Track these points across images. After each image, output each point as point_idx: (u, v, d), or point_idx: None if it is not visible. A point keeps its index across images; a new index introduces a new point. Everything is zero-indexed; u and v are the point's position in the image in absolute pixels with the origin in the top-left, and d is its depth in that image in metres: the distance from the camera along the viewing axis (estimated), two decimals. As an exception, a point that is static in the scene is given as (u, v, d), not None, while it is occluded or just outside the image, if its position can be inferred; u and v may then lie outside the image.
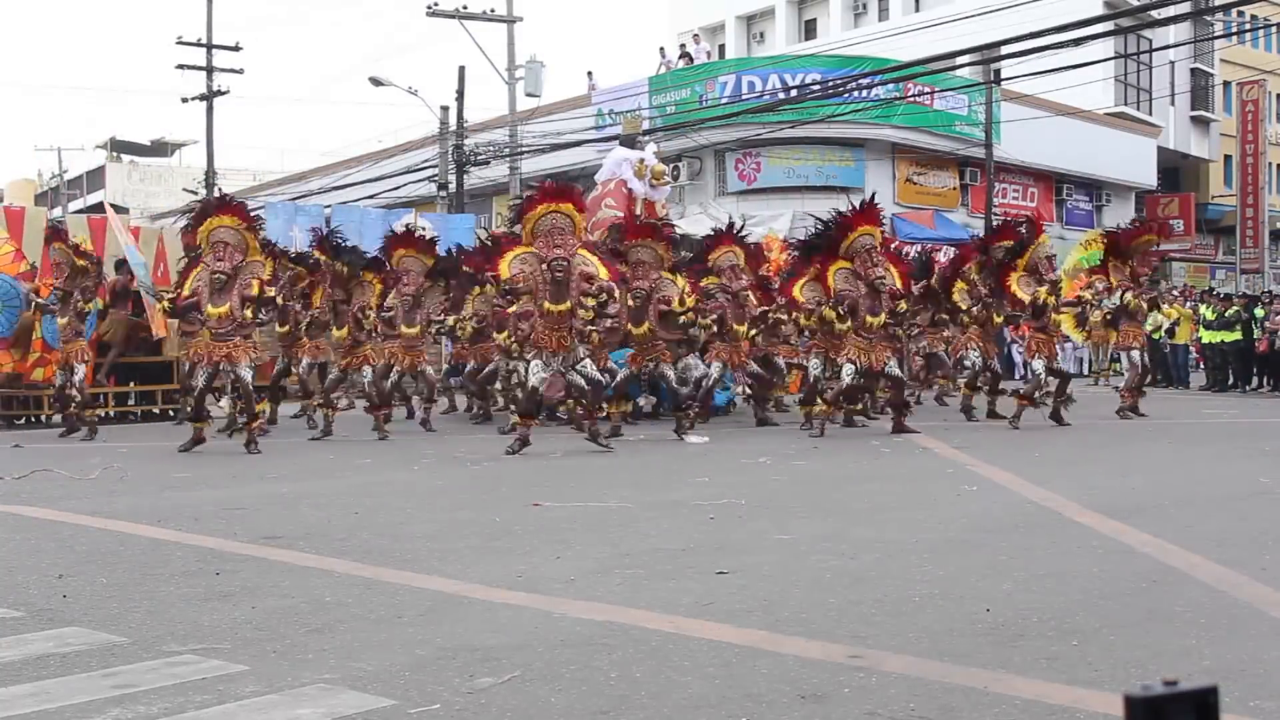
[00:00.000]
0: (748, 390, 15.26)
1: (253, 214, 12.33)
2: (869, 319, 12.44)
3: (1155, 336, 15.53)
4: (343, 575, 5.49)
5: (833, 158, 27.49)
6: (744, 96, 26.59)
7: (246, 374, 11.59)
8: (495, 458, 10.79)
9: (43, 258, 15.88)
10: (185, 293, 11.57)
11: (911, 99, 27.31)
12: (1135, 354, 14.74)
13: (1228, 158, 38.95)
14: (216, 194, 12.41)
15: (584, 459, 10.77)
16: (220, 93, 32.13)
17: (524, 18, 27.75)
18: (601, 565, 5.65)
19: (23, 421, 15.88)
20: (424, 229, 17.74)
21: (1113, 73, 32.32)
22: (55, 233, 14.17)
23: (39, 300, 14.03)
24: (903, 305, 12.93)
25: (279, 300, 12.16)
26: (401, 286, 13.90)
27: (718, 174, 27.87)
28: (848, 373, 12.46)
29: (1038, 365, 13.33)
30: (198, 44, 31.56)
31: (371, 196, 28.44)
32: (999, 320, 14.28)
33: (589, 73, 31.42)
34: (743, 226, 14.30)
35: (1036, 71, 19.94)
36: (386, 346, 13.85)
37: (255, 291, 11.32)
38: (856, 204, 13.08)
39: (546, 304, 10.85)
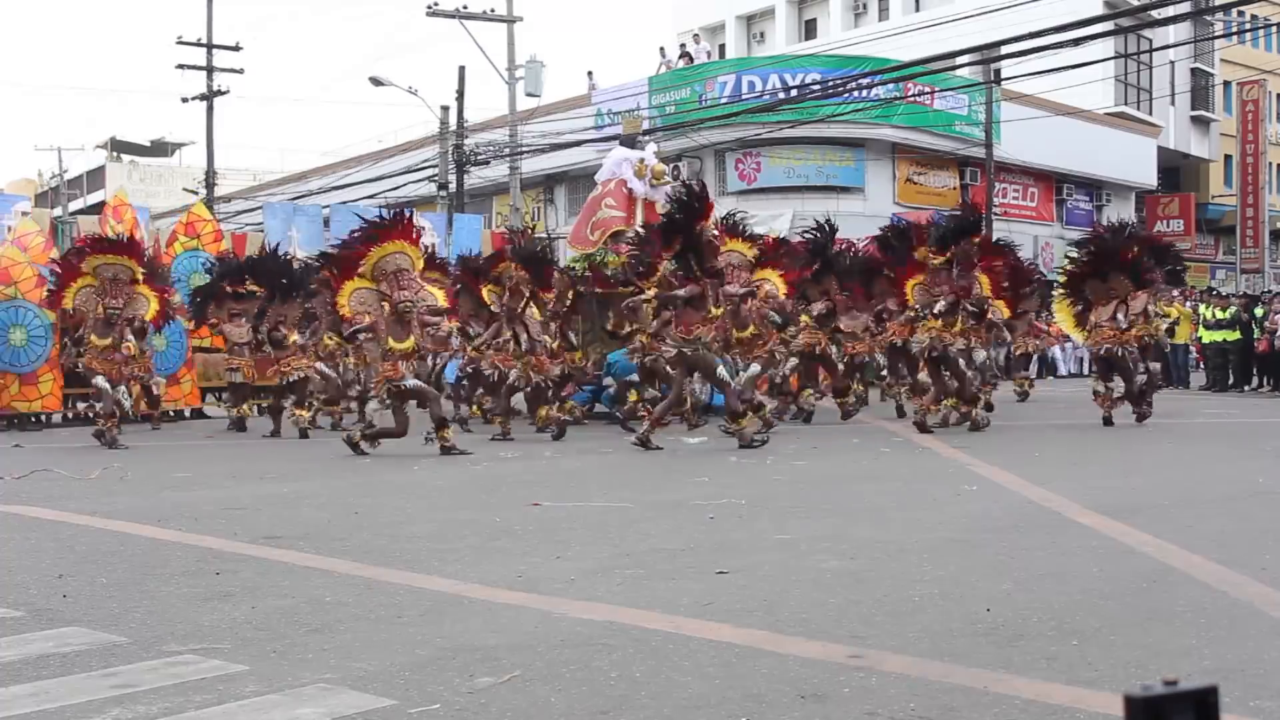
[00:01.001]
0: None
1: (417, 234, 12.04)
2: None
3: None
4: (343, 575, 5.49)
5: (833, 158, 27.52)
6: (744, 96, 26.61)
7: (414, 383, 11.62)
8: (495, 458, 10.80)
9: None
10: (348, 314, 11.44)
11: (911, 99, 27.33)
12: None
13: (1228, 157, 38.98)
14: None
15: (584, 459, 10.78)
16: (220, 93, 32.15)
17: (524, 18, 27.80)
18: (601, 565, 5.65)
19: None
20: (425, 229, 17.77)
21: (1113, 73, 32.34)
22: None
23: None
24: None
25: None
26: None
27: (718, 174, 27.88)
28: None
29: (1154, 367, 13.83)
30: (198, 44, 31.58)
31: (371, 196, 28.45)
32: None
33: (589, 73, 31.47)
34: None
35: (1036, 71, 19.95)
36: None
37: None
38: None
39: None
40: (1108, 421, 13.20)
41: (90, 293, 12.94)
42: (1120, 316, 13.24)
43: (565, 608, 4.76)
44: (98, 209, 26.48)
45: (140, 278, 13.23)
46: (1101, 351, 13.38)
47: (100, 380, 12.66)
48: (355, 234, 11.62)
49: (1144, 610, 4.65)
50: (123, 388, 12.94)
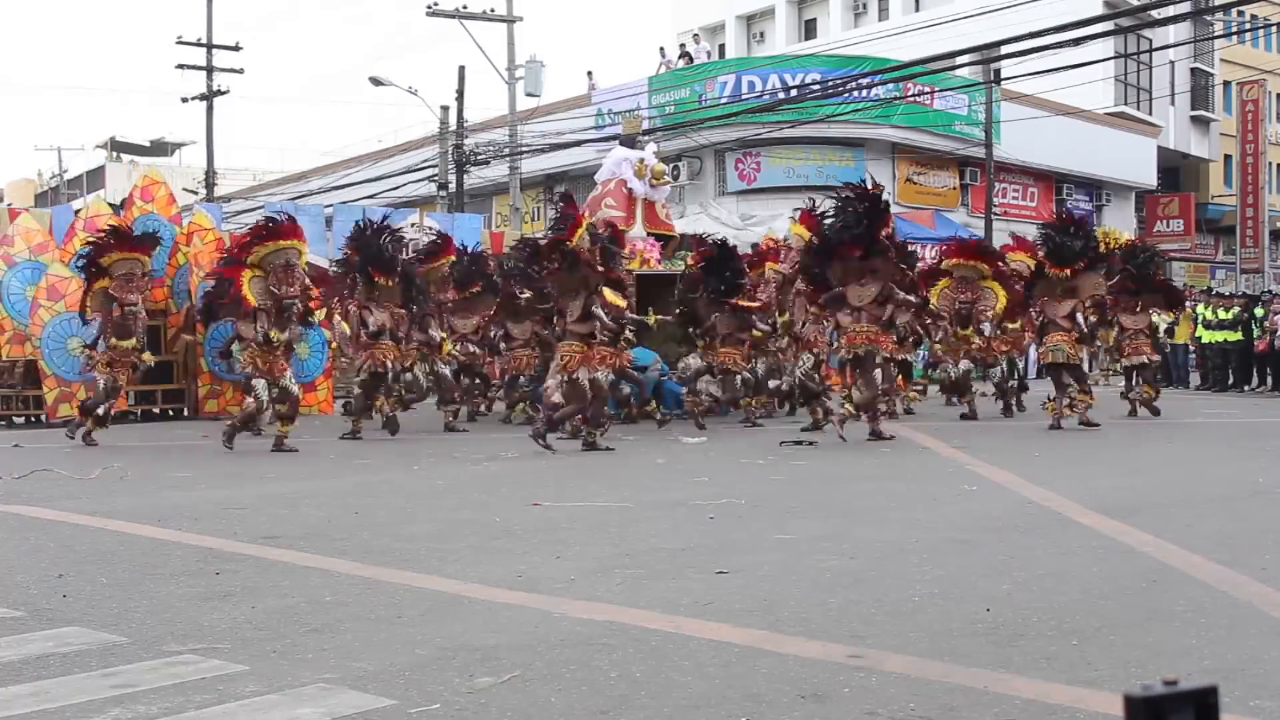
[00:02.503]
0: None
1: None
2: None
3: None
4: (343, 575, 5.49)
5: (833, 158, 27.48)
6: (744, 96, 26.58)
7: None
8: (495, 458, 10.80)
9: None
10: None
11: (911, 99, 27.31)
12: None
13: (1228, 157, 38.94)
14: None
15: (584, 459, 10.77)
16: (220, 93, 32.13)
17: (524, 18, 27.78)
18: (601, 565, 5.65)
19: (23, 421, 15.87)
20: (430, 228, 17.77)
21: (1113, 73, 32.30)
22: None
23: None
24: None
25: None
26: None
27: (718, 174, 27.87)
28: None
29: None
30: (198, 44, 31.56)
31: (371, 196, 28.43)
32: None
33: (589, 73, 31.44)
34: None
35: (1036, 71, 19.91)
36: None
37: None
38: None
39: None
40: (1134, 414, 14.62)
41: (260, 283, 11.88)
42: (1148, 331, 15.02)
43: (565, 608, 4.76)
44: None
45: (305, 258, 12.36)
46: (1136, 361, 14.90)
47: (260, 384, 11.86)
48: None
49: (1144, 610, 4.65)
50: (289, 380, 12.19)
